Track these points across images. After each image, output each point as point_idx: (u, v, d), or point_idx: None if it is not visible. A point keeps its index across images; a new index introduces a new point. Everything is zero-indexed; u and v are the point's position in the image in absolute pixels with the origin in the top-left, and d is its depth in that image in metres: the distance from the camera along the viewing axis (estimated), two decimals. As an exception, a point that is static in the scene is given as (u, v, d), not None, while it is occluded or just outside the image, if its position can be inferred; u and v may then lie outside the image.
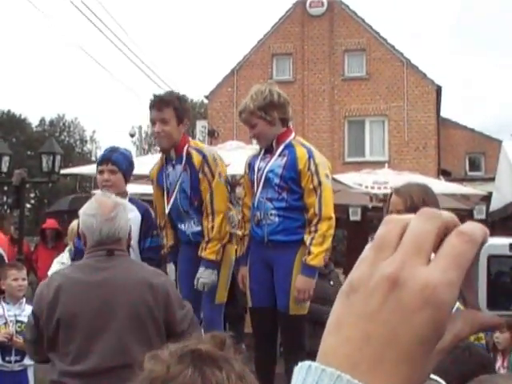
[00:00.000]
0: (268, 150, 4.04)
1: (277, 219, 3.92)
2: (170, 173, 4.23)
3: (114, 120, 70.56)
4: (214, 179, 4.10)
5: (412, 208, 3.04)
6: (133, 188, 7.19)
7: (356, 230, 12.92)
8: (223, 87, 23.39)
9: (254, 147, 5.49)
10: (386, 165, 14.20)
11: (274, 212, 3.93)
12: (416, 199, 3.20)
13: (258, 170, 4.02)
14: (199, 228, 4.18)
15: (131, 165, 4.50)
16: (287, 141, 3.99)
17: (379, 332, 0.49)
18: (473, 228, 0.53)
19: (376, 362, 0.49)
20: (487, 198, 11.93)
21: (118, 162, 4.34)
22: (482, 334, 5.21)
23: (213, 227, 4.08)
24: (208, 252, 4.08)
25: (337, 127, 22.45)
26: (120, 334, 2.71)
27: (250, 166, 4.15)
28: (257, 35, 26.17)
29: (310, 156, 3.92)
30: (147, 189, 9.55)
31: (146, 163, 7.28)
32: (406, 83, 21.86)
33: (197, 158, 4.11)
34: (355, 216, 12.94)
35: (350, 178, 11.70)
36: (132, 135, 30.75)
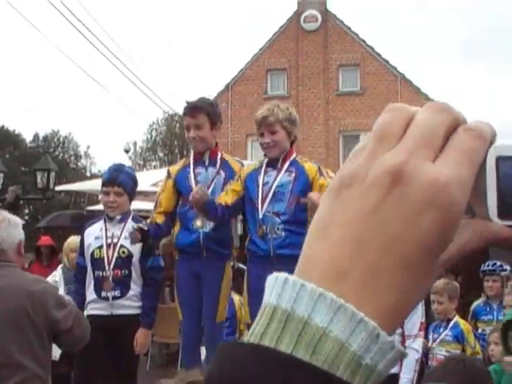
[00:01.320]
0: (271, 166, 4.13)
1: (283, 233, 3.97)
2: (202, 173, 4.35)
3: (108, 135, 70.58)
4: None
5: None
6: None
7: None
8: (218, 102, 23.44)
9: (248, 163, 5.49)
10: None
11: (280, 227, 3.98)
12: None
13: (264, 184, 4.08)
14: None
15: (135, 183, 4.60)
16: (291, 158, 4.14)
17: (376, 235, 0.41)
18: (480, 124, 0.45)
19: (369, 272, 0.41)
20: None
21: (124, 184, 4.39)
22: (478, 349, 5.14)
23: None
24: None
25: (332, 142, 22.50)
26: None
27: (250, 179, 4.16)
28: (251, 50, 26.37)
29: (319, 167, 4.13)
30: (142, 205, 9.54)
31: (140, 179, 7.27)
32: (400, 98, 21.95)
33: (235, 165, 4.41)
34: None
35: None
36: (127, 151, 30.66)
